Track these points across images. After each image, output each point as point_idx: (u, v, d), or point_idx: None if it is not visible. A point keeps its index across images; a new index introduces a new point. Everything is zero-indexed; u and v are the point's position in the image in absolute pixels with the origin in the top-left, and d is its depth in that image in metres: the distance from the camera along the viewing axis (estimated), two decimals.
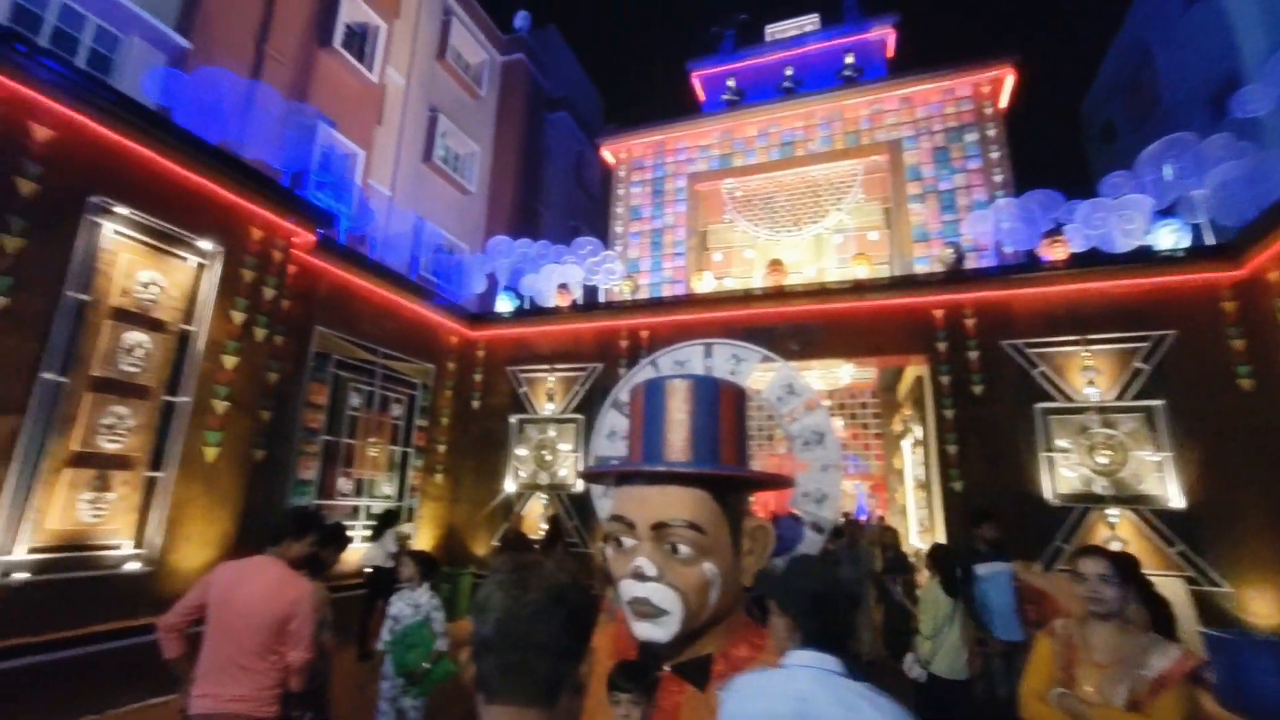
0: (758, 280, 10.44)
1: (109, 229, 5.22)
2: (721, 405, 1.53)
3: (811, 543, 2.81)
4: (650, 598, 1.29)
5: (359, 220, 10.01)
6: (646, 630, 1.30)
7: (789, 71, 13.12)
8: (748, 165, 12.38)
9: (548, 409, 9.67)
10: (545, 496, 9.41)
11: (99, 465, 5.10)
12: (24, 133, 4.72)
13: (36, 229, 4.75)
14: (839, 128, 11.84)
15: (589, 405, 9.34)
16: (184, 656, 2.75)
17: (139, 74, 7.97)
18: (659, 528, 1.35)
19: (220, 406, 6.02)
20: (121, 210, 5.28)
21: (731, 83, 13.68)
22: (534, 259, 10.81)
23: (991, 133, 10.70)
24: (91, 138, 5.11)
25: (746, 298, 9.16)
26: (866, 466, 13.18)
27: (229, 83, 7.04)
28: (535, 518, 9.36)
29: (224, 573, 2.76)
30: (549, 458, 9.53)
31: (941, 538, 7.46)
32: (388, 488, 8.76)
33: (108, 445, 5.15)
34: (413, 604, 3.82)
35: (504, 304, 10.55)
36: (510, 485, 9.66)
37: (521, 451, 9.71)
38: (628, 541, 1.40)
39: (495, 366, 10.24)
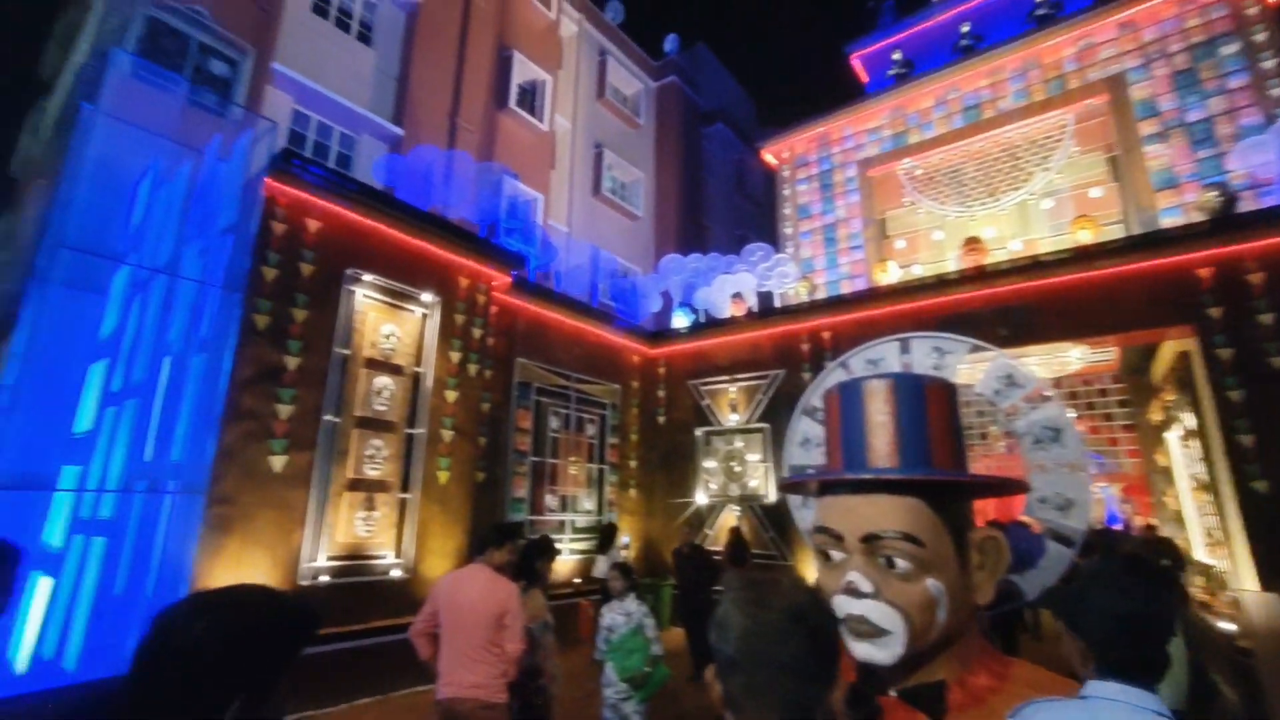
0: (952, 264, 9.41)
1: (360, 294, 6.38)
2: (929, 403, 1.38)
3: (1057, 556, 2.37)
4: (868, 615, 1.19)
5: (544, 258, 11.00)
6: (867, 651, 1.20)
7: (965, 28, 11.76)
8: (925, 140, 11.29)
9: (732, 420, 9.64)
10: (737, 508, 9.35)
11: (366, 489, 6.19)
12: (302, 228, 5.98)
13: (313, 302, 5.97)
14: (1036, 76, 10.29)
15: (774, 413, 9.12)
16: (434, 656, 3.25)
17: (370, 163, 9.68)
18: (869, 540, 1.25)
19: (447, 435, 6.97)
20: (367, 277, 6.43)
21: (897, 55, 12.64)
22: (705, 272, 10.93)
23: (1260, 37, 8.48)
24: (344, 222, 6.31)
25: (940, 284, 8.29)
26: (1115, 465, 11.03)
27: (432, 156, 8.23)
28: (726, 530, 9.33)
29: (445, 583, 3.24)
30: (738, 469, 9.47)
31: (1242, 549, 5.93)
32: (588, 503, 9.37)
33: (371, 472, 6.23)
34: (624, 613, 4.02)
35: (680, 320, 10.79)
36: (701, 498, 9.76)
37: (709, 464, 9.78)
38: (836, 555, 1.32)
39: (676, 381, 10.49)
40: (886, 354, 3.18)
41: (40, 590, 5.87)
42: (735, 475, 9.48)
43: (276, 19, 9.52)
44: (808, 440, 4.29)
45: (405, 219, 6.79)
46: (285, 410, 5.66)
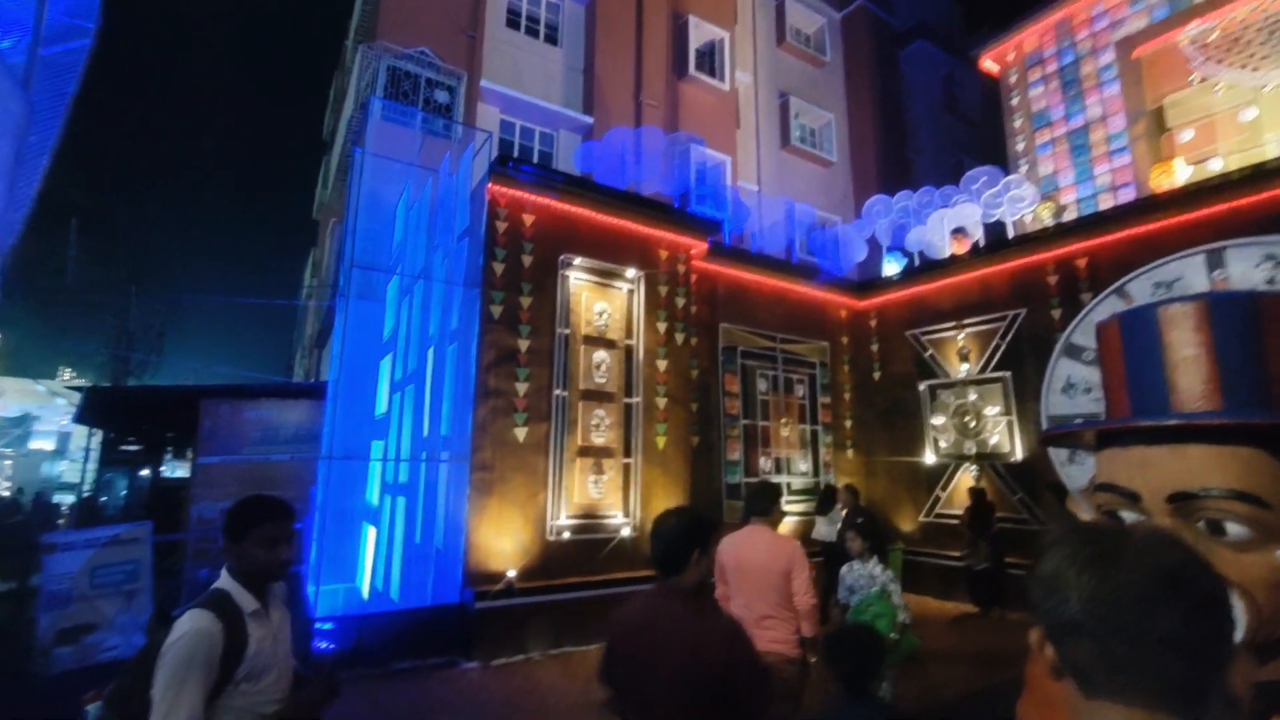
0: (1276, 147, 7.14)
1: (573, 277, 6.93)
2: (1267, 328, 1.06)
3: None
4: None
5: (737, 220, 10.84)
6: None
7: None
8: None
9: (962, 370, 8.60)
10: (974, 468, 8.37)
11: (594, 455, 6.79)
12: (520, 223, 6.67)
13: (535, 289, 6.65)
14: None
15: (1015, 360, 7.93)
16: None
17: (568, 156, 10.40)
18: (1180, 499, 1.01)
19: (661, 403, 7.30)
20: (578, 260, 6.95)
21: None
22: (917, 210, 9.81)
23: None
24: (554, 212, 6.88)
25: (1258, 176, 6.33)
26: None
27: (624, 136, 8.53)
28: (963, 492, 8.43)
29: (726, 546, 3.31)
30: (972, 424, 8.45)
31: None
32: (803, 465, 9.15)
33: (597, 440, 6.81)
34: (867, 575, 3.87)
35: (891, 266, 9.88)
36: (929, 457, 8.94)
37: (937, 420, 8.87)
38: (1128, 516, 1.09)
39: (891, 333, 9.65)
40: (1185, 272, 2.46)
41: (369, 537, 7.57)
42: (970, 431, 8.47)
43: (480, 41, 10.62)
44: (1072, 385, 3.64)
45: (605, 201, 7.18)
46: (522, 387, 6.43)
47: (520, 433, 6.35)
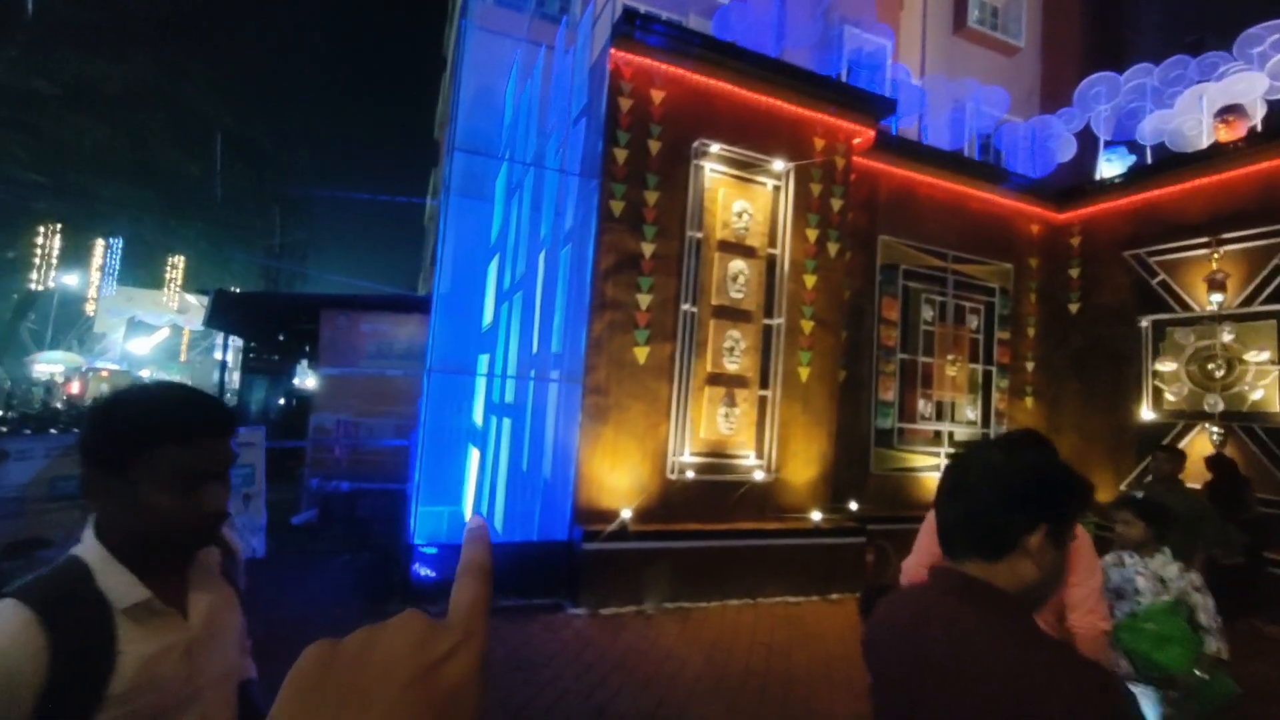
0: None
1: (708, 169, 5.68)
2: None
3: None
4: None
5: (900, 114, 8.89)
6: None
7: None
8: None
9: (1213, 302, 6.49)
10: (1216, 430, 6.42)
11: (726, 384, 5.72)
12: (647, 99, 5.46)
13: (663, 181, 5.49)
14: None
15: None
16: None
17: None
18: None
19: (807, 326, 6.03)
20: (715, 148, 5.66)
21: None
22: (1158, 90, 7.41)
23: None
24: (689, 86, 5.60)
25: None
26: None
27: None
28: (1198, 459, 6.52)
29: None
30: (1221, 373, 6.42)
31: None
32: (970, 412, 7.56)
33: (729, 366, 5.72)
34: (1151, 574, 2.55)
35: (1111, 166, 7.64)
36: (1147, 412, 7.02)
37: (1166, 366, 6.87)
38: None
39: (1101, 254, 7.56)
40: None
41: (473, 459, 7.12)
42: (1216, 382, 6.46)
43: None
44: None
45: (751, 71, 5.75)
46: (645, 300, 5.42)
47: (641, 353, 5.39)
